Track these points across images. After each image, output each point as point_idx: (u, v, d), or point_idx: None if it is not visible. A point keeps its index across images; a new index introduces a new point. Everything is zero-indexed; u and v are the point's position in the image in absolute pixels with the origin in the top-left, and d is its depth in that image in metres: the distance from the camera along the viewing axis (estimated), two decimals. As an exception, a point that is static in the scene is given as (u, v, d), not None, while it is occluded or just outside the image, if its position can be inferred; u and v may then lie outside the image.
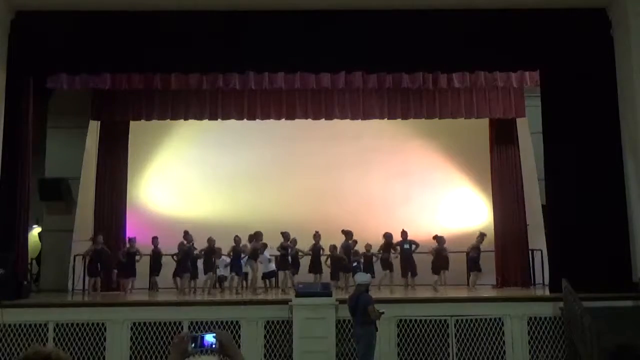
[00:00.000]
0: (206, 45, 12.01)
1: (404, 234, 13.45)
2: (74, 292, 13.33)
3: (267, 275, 13.30)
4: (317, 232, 13.43)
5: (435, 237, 13.52)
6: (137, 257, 13.47)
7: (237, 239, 13.24)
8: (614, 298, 10.62)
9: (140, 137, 14.98)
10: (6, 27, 11.89)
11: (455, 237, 13.88)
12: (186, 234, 13.45)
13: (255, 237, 13.29)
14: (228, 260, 13.29)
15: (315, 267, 13.23)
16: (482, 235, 13.52)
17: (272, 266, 13.28)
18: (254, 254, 13.12)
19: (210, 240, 13.34)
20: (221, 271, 13.41)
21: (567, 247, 11.47)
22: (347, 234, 13.35)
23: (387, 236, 13.34)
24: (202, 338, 2.81)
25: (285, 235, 13.30)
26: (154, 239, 13.64)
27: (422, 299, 11.64)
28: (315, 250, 13.35)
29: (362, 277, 9.81)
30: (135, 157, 14.95)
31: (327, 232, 13.44)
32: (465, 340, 10.83)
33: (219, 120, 14.29)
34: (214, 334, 2.76)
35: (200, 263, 13.42)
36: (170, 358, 2.72)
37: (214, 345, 2.75)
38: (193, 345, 2.78)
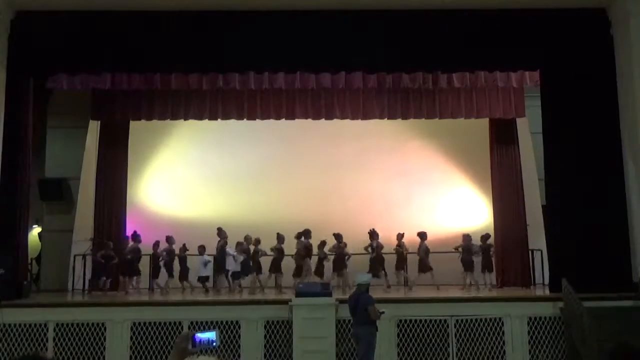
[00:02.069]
0: (206, 45, 12.01)
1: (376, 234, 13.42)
2: (74, 292, 13.34)
3: (202, 279, 13.23)
4: (373, 229, 13.35)
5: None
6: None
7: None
8: (614, 298, 10.64)
9: (140, 137, 14.98)
10: (6, 27, 11.89)
11: (455, 237, 13.85)
12: (220, 231, 13.38)
13: (304, 234, 13.24)
14: (207, 258, 13.31)
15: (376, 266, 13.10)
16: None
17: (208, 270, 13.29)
18: (308, 252, 13.11)
19: (248, 239, 13.22)
20: (205, 271, 13.32)
21: (567, 247, 11.46)
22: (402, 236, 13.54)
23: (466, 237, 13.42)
24: (202, 336, 2.81)
25: (337, 236, 13.26)
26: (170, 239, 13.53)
27: (422, 299, 11.63)
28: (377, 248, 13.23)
29: (362, 277, 9.81)
30: (135, 157, 14.93)
31: (327, 232, 13.41)
32: (465, 340, 10.83)
33: (219, 120, 14.28)
34: (215, 332, 2.76)
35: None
36: (171, 357, 2.73)
37: (214, 343, 2.75)
38: (193, 342, 2.78)
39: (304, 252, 13.13)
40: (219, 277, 13.31)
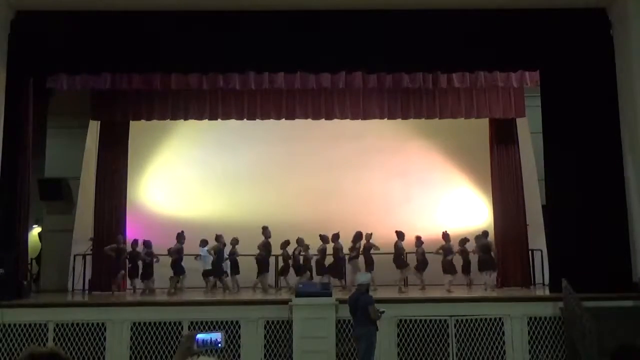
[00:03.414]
0: (206, 45, 12.01)
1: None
2: (74, 292, 13.34)
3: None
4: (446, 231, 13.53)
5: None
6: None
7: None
8: (614, 298, 10.65)
9: (140, 137, 14.96)
10: (6, 27, 11.89)
11: (455, 237, 13.84)
12: (265, 230, 13.29)
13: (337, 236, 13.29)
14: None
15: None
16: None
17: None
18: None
19: (300, 241, 13.17)
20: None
21: (567, 247, 11.48)
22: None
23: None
24: (205, 337, 2.81)
25: (299, 241, 13.30)
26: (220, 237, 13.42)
27: (422, 299, 11.64)
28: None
29: (362, 277, 9.82)
30: (135, 157, 14.92)
31: (327, 232, 13.40)
32: (465, 340, 10.84)
33: (219, 120, 14.28)
34: (221, 333, 2.77)
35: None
36: (176, 356, 2.74)
37: (219, 344, 2.76)
38: (197, 343, 2.79)
39: (338, 253, 13.19)
40: (262, 276, 13.13)
